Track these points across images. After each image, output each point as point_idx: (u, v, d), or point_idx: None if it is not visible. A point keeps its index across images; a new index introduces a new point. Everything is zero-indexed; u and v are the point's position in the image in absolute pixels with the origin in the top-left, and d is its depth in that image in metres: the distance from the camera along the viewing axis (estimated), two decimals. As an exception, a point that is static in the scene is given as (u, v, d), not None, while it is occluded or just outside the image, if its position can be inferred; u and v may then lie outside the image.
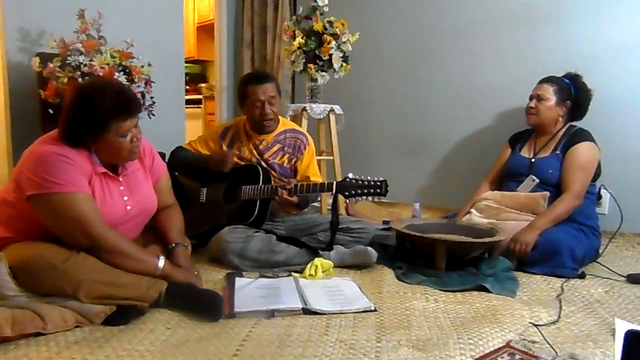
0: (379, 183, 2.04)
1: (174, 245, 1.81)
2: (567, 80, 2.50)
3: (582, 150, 2.36)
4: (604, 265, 2.25)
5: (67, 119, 1.56)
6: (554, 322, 1.61)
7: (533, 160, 2.47)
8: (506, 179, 2.60)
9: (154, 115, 2.54)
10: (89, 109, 1.54)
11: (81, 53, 2.34)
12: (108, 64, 2.34)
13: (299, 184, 2.20)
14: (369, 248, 2.18)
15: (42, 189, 1.49)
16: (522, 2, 3.03)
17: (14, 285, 1.47)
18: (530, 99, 2.54)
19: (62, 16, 2.46)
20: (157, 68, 2.57)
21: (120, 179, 1.69)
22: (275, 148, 2.40)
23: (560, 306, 1.74)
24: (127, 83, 2.37)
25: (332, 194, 2.14)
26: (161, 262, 1.66)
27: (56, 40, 2.36)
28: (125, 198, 1.69)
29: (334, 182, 2.11)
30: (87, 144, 1.59)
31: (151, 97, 2.53)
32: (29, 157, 1.55)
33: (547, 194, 2.33)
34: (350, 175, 2.09)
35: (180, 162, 2.43)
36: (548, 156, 2.44)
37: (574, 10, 2.86)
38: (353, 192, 2.05)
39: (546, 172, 2.40)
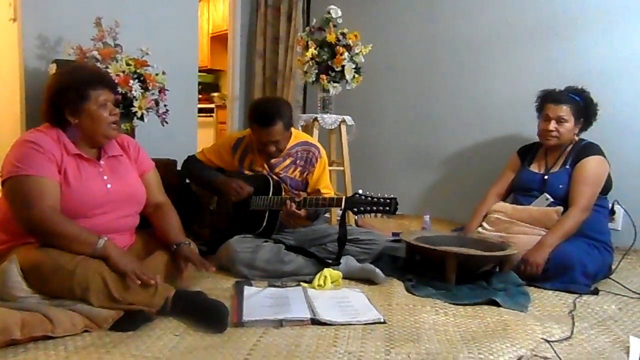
0: (388, 201, 2.02)
1: (175, 246, 1.79)
2: (576, 97, 2.45)
3: (590, 164, 2.34)
4: (617, 282, 2.21)
5: (49, 98, 1.67)
6: (566, 339, 1.59)
7: (546, 177, 2.44)
8: (516, 193, 2.57)
9: (167, 122, 2.56)
10: (70, 80, 1.68)
11: (97, 60, 2.37)
12: (123, 72, 2.37)
13: (308, 197, 2.20)
14: (377, 270, 2.13)
15: (9, 173, 1.57)
16: (535, 17, 3.03)
17: (25, 286, 1.48)
18: (547, 119, 2.44)
19: (80, 24, 2.50)
20: (171, 76, 2.60)
21: (101, 162, 1.74)
22: (287, 162, 2.40)
23: (573, 322, 1.71)
24: (141, 90, 2.40)
25: (341, 209, 2.13)
26: (101, 242, 1.57)
27: (73, 48, 2.40)
28: (105, 177, 1.72)
29: (343, 198, 2.10)
30: (68, 120, 1.66)
31: (165, 105, 2.55)
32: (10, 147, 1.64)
33: (561, 208, 2.30)
34: (360, 192, 2.08)
35: (195, 175, 2.43)
36: (558, 171, 2.42)
37: (587, 25, 2.85)
38: (362, 208, 2.04)
39: (557, 187, 2.38)
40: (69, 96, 1.65)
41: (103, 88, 1.70)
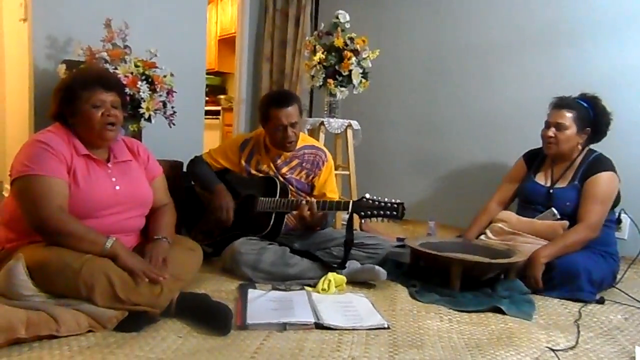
0: (395, 205, 2.02)
1: (154, 238, 1.77)
2: (585, 104, 2.34)
3: (602, 181, 2.23)
4: (623, 292, 2.20)
5: (53, 97, 1.73)
6: (571, 348, 1.58)
7: (551, 191, 2.34)
8: (520, 205, 2.49)
9: (174, 124, 2.57)
10: (69, 80, 1.74)
11: (106, 61, 2.39)
12: (132, 73, 2.38)
13: (315, 201, 2.19)
14: (377, 267, 2.13)
15: (19, 173, 1.58)
16: (543, 24, 3.02)
17: (31, 285, 1.49)
18: (547, 125, 2.35)
19: (90, 25, 2.52)
20: (179, 78, 2.61)
21: (110, 165, 1.75)
22: (293, 163, 2.40)
23: (578, 331, 1.71)
24: (149, 92, 2.41)
25: (347, 213, 2.13)
26: (109, 242, 1.59)
27: (83, 49, 2.41)
28: (114, 179, 1.73)
29: (350, 202, 2.10)
30: (68, 119, 1.70)
31: (172, 107, 2.56)
32: (21, 147, 1.66)
33: (567, 223, 2.23)
34: (367, 195, 2.07)
35: (197, 177, 2.44)
36: (566, 187, 2.32)
37: (595, 33, 2.85)
38: (369, 212, 2.05)
39: (564, 204, 2.28)
40: (63, 95, 1.69)
41: (99, 89, 1.68)
